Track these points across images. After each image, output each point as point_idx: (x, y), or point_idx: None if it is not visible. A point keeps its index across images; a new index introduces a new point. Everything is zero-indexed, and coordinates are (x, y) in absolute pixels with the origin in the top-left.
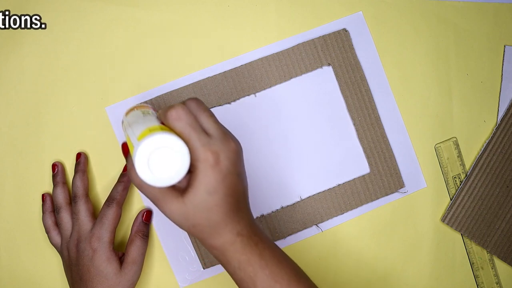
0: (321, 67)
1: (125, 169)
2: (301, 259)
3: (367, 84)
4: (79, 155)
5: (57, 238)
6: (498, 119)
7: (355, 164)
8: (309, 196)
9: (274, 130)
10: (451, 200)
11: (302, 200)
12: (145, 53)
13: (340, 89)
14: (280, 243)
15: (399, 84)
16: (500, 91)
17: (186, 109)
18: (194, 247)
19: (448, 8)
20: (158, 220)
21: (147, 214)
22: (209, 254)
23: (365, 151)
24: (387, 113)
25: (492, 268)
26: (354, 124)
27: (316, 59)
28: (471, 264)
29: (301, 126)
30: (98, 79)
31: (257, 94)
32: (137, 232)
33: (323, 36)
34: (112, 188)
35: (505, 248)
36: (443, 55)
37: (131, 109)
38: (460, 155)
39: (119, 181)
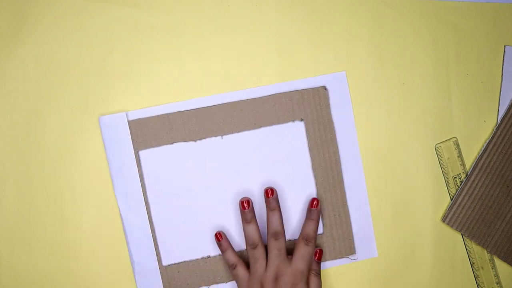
0: (293, 121)
1: (313, 205)
2: None
3: (337, 146)
4: (272, 192)
5: (244, 272)
6: (498, 119)
7: None
8: None
9: (235, 176)
10: (451, 200)
11: None
12: (145, 52)
13: (308, 146)
14: None
15: (399, 84)
16: (500, 91)
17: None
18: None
19: (448, 8)
20: None
21: (319, 254)
22: None
23: (321, 212)
24: (352, 177)
25: (493, 268)
26: (316, 184)
27: (289, 112)
28: (471, 264)
29: (263, 176)
30: (98, 79)
31: (223, 136)
32: (311, 271)
33: (301, 90)
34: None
35: (505, 248)
36: (443, 55)
37: None
38: (460, 155)
39: (309, 218)
